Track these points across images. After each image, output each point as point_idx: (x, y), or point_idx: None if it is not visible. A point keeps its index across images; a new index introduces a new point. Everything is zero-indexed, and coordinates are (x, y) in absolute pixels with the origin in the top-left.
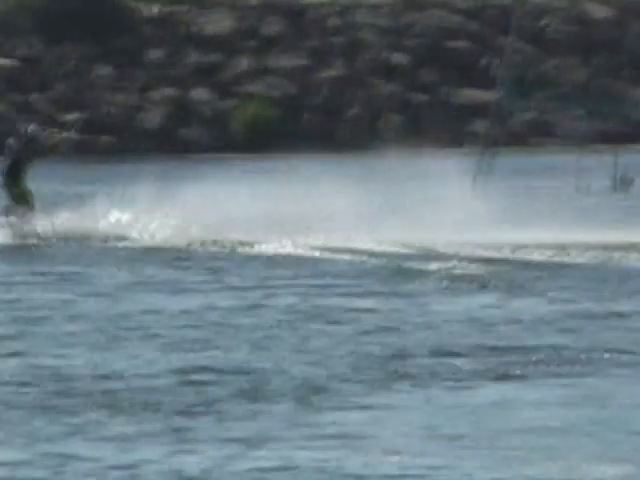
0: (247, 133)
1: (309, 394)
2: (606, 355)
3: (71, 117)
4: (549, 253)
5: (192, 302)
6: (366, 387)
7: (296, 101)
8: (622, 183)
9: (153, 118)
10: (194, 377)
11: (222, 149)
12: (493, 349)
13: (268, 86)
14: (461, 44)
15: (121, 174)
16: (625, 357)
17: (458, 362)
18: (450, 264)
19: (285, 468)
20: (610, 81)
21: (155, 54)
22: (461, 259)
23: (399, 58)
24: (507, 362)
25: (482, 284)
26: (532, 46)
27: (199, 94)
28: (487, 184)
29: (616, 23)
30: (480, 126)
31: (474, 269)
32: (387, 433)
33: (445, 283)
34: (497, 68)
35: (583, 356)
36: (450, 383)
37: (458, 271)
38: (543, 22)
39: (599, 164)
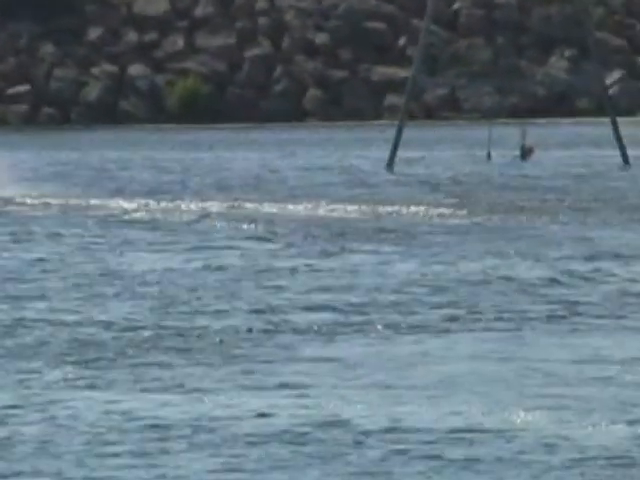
0: (180, 106)
1: (261, 348)
2: (515, 314)
3: (20, 89)
4: (449, 212)
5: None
6: (305, 340)
7: (225, 77)
8: (526, 153)
9: (94, 92)
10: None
11: (157, 120)
12: (420, 304)
13: (199, 63)
14: (378, 25)
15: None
16: (532, 314)
17: (392, 317)
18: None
19: (230, 416)
20: (516, 60)
21: (96, 33)
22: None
23: (321, 38)
24: (430, 318)
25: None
26: (444, 28)
27: (136, 70)
28: (404, 154)
29: (519, 7)
30: (396, 100)
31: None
32: (328, 382)
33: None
34: (412, 48)
35: (492, 314)
36: (387, 334)
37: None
38: (455, 6)
39: (506, 136)
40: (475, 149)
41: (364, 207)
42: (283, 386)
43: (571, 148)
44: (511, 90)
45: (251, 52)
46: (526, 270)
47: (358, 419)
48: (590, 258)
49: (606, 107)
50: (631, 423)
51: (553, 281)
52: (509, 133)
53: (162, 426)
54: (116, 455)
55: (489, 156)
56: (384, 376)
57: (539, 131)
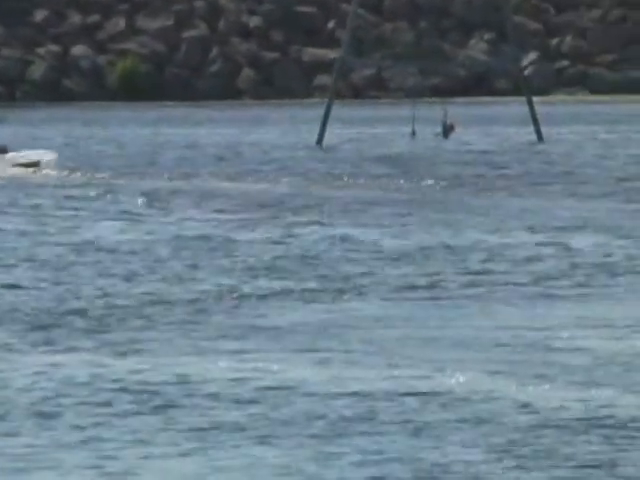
0: (120, 85)
1: (203, 313)
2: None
3: None
4: (378, 185)
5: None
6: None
7: (163, 57)
8: (447, 130)
9: (39, 71)
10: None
11: (99, 98)
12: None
13: (139, 44)
14: (309, 9)
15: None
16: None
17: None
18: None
19: (181, 380)
20: (438, 42)
21: (42, 14)
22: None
23: (254, 21)
24: (373, 285)
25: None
26: (371, 12)
27: (80, 50)
28: (332, 131)
29: None
30: (325, 80)
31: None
32: (272, 347)
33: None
34: (340, 31)
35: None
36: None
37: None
38: None
39: (429, 114)
40: (400, 126)
41: (295, 181)
42: (236, 352)
43: (490, 126)
44: (433, 71)
45: (188, 34)
46: (459, 239)
47: (312, 384)
48: (500, 229)
49: (522, 87)
50: (574, 386)
51: (478, 250)
52: (432, 111)
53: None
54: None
55: (413, 133)
56: (326, 341)
57: (460, 110)
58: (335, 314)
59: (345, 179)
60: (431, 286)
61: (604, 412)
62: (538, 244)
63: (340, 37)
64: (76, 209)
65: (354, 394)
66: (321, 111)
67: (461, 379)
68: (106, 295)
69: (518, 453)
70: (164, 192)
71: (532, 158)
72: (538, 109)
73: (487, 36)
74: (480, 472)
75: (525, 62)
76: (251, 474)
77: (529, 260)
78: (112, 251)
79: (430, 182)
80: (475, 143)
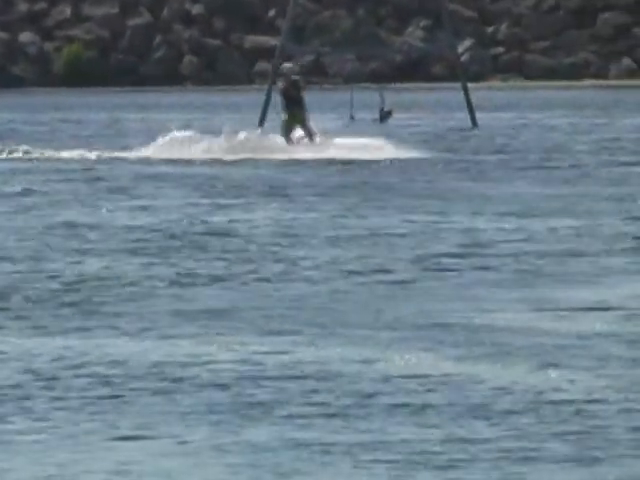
0: (66, 71)
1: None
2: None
3: None
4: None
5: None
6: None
7: (108, 44)
8: (384, 116)
9: None
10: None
11: (45, 84)
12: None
13: (85, 31)
14: None
15: None
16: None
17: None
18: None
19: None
20: (375, 29)
21: None
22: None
23: (197, 8)
24: (316, 267)
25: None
26: (310, 0)
27: (27, 37)
28: (273, 116)
29: None
30: (266, 67)
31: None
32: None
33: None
34: (281, 19)
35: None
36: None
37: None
38: None
39: (367, 99)
40: (339, 112)
41: (238, 163)
42: (192, 336)
43: (426, 111)
44: (371, 57)
45: (133, 21)
46: (400, 223)
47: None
48: (442, 212)
49: (458, 73)
50: (550, 367)
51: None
52: (369, 97)
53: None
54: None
55: (352, 118)
56: (271, 324)
57: (397, 95)
58: (278, 296)
59: (287, 160)
60: (374, 269)
61: (547, 391)
62: (482, 228)
63: (280, 25)
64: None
65: (290, 375)
66: (262, 97)
67: (404, 360)
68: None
69: (459, 434)
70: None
71: (467, 143)
72: (473, 95)
73: (423, 23)
74: (416, 450)
75: (461, 49)
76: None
77: (473, 244)
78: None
79: (368, 166)
80: (411, 128)
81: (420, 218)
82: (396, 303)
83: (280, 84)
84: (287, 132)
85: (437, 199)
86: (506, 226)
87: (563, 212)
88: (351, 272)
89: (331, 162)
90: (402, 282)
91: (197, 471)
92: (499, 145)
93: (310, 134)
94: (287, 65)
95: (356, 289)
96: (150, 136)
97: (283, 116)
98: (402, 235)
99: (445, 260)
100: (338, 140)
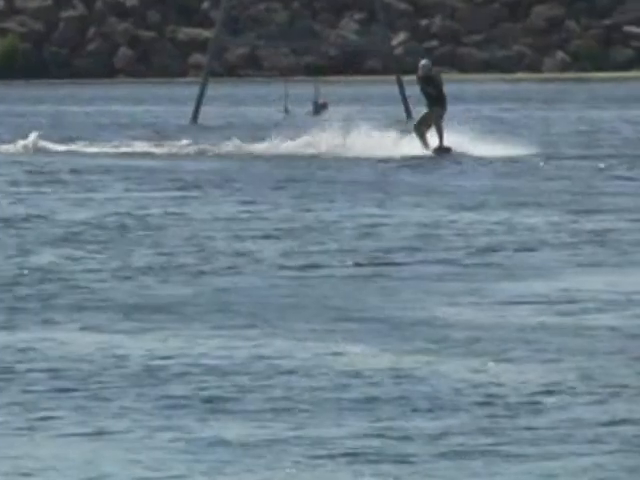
0: (2, 63)
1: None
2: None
3: None
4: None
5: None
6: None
7: (42, 36)
8: (318, 108)
9: None
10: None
11: None
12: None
13: (19, 23)
14: None
15: None
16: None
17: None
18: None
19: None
20: (310, 22)
21: None
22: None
23: (131, 1)
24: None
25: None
26: None
27: None
28: (208, 109)
29: None
30: (200, 59)
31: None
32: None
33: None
34: (215, 11)
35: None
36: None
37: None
38: None
39: (302, 92)
40: (273, 104)
41: (169, 156)
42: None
43: (360, 104)
44: (306, 50)
45: (66, 13)
46: (336, 215)
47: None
48: (380, 205)
49: (392, 66)
50: (494, 360)
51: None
52: (304, 90)
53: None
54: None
55: (286, 111)
56: (213, 317)
57: (332, 88)
58: (224, 290)
59: (217, 155)
60: (320, 263)
61: (488, 384)
62: (429, 222)
63: (215, 17)
64: None
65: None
66: (196, 90)
67: (348, 353)
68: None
69: (402, 426)
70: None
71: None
72: (408, 88)
73: (358, 16)
74: (356, 447)
75: (395, 42)
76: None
77: (414, 237)
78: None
79: (307, 157)
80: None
81: (367, 211)
82: (343, 297)
83: (417, 80)
84: (421, 130)
85: (383, 192)
86: (452, 219)
87: (508, 205)
88: (296, 266)
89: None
90: (349, 276)
91: (148, 464)
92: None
93: (441, 140)
94: (423, 62)
95: (302, 283)
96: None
97: (423, 112)
98: (347, 228)
99: (392, 254)
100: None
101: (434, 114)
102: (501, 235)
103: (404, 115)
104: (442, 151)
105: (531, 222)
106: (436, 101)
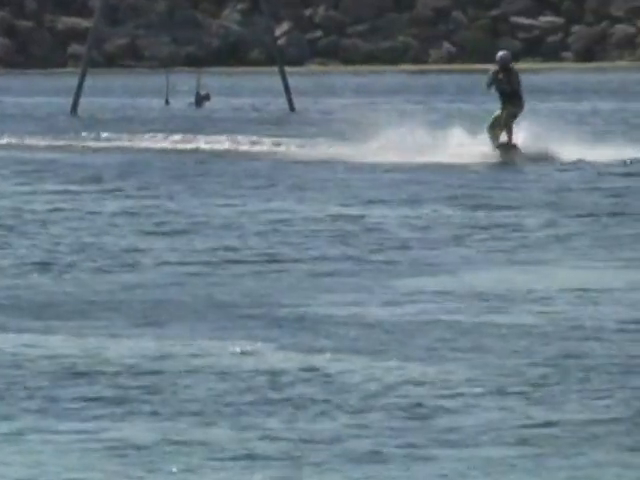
0: None
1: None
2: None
3: None
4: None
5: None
6: None
7: None
8: (200, 100)
9: None
10: None
11: None
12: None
13: None
14: None
15: None
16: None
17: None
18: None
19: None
20: (191, 12)
21: None
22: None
23: None
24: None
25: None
26: None
27: None
28: (87, 99)
29: None
30: (79, 49)
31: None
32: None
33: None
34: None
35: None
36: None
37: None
38: None
39: (183, 83)
40: (154, 95)
41: (55, 149)
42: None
43: (243, 96)
44: (187, 40)
45: None
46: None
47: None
48: (271, 200)
49: (275, 57)
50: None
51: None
52: (186, 81)
53: None
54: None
55: (167, 102)
56: (95, 314)
57: (214, 79)
58: (106, 287)
59: (99, 147)
60: (212, 260)
61: (392, 383)
62: (320, 217)
63: (94, 6)
64: None
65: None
66: (75, 80)
67: (247, 351)
68: None
69: (302, 427)
70: None
71: (285, 127)
72: (291, 79)
73: (240, 6)
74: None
75: (278, 32)
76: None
77: (312, 232)
78: None
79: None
80: (228, 112)
81: (266, 206)
82: (242, 294)
83: (492, 74)
84: (493, 131)
85: (265, 186)
86: (339, 213)
87: (402, 201)
88: (184, 262)
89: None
90: (249, 273)
91: (69, 465)
92: (317, 130)
93: (510, 137)
94: (502, 53)
95: (201, 280)
96: None
97: (496, 112)
98: (247, 223)
99: (293, 250)
100: None
101: (506, 113)
102: (404, 231)
103: (287, 106)
104: (508, 147)
105: (433, 217)
106: (509, 99)
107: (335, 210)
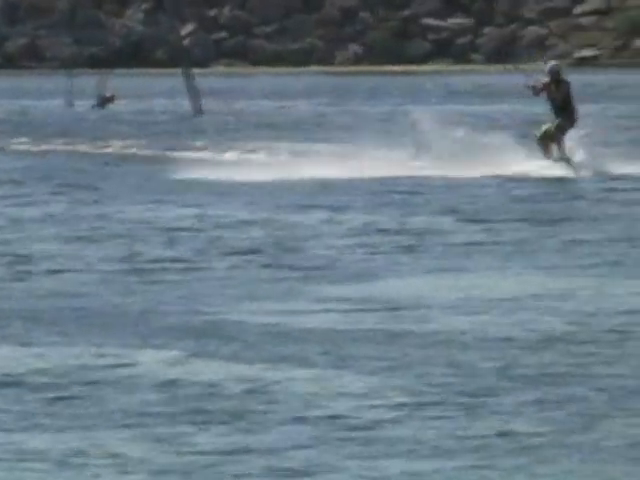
0: None
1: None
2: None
3: None
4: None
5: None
6: None
7: None
8: (104, 101)
9: None
10: None
11: None
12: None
13: None
14: None
15: None
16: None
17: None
18: None
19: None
20: (95, 11)
21: None
22: None
23: None
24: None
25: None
26: None
27: None
28: None
29: None
30: None
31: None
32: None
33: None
34: None
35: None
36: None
37: None
38: None
39: (86, 85)
40: (57, 97)
41: None
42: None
43: (147, 97)
44: (90, 41)
45: None
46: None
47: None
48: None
49: (180, 58)
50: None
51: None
52: (89, 82)
53: None
54: None
55: (70, 104)
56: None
57: (118, 80)
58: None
59: (13, 152)
60: (120, 268)
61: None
62: (228, 222)
63: None
64: None
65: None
66: None
67: (158, 361)
68: None
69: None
70: None
71: (189, 129)
72: (197, 81)
73: (144, 6)
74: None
75: (183, 33)
76: None
77: (219, 239)
78: None
79: (89, 151)
80: (132, 115)
81: (171, 214)
82: (146, 303)
83: (543, 85)
84: (544, 143)
85: (177, 191)
86: (250, 219)
87: (328, 208)
88: (97, 270)
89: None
90: (151, 282)
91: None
92: (223, 131)
93: (560, 148)
94: (551, 64)
95: (103, 287)
96: None
97: (547, 124)
98: (151, 230)
99: (202, 257)
100: None
101: (555, 126)
102: (314, 237)
103: (192, 109)
104: (566, 160)
105: (328, 221)
106: (561, 111)
107: (254, 216)
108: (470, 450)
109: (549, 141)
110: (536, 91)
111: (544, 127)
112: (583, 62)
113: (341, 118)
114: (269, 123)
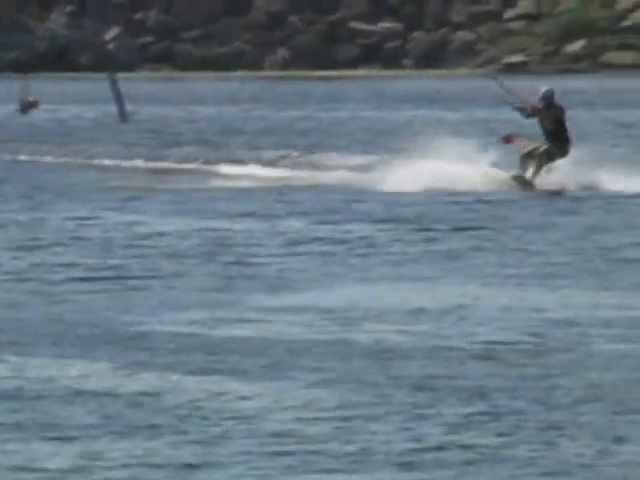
0: None
1: None
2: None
3: None
4: None
5: None
6: None
7: None
8: (26, 107)
9: None
10: None
11: None
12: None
13: None
14: None
15: None
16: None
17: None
18: None
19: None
20: (17, 15)
21: None
22: None
23: None
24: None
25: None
26: None
27: None
28: None
29: None
30: None
31: None
32: None
33: None
34: None
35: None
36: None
37: None
38: None
39: (8, 89)
40: None
41: None
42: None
43: (71, 103)
44: (12, 44)
45: None
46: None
47: None
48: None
49: (105, 63)
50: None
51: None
52: (11, 87)
53: None
54: None
55: None
56: None
57: (41, 85)
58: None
59: None
60: (52, 279)
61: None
62: (163, 230)
63: None
64: None
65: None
66: None
67: (80, 372)
68: None
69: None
70: None
71: (115, 135)
72: (122, 85)
73: (68, 9)
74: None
75: (108, 37)
76: None
77: (156, 247)
78: None
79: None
80: (56, 120)
81: (109, 220)
82: (77, 312)
83: (530, 107)
84: (525, 160)
85: (113, 199)
86: (184, 227)
87: (266, 216)
88: (26, 279)
89: None
90: (86, 292)
91: None
92: (152, 138)
93: (534, 175)
94: (545, 89)
95: (31, 297)
96: None
97: (537, 144)
98: (84, 239)
99: (136, 265)
100: None
101: (544, 150)
102: (249, 245)
103: (118, 114)
104: (522, 182)
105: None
106: (554, 137)
107: (188, 223)
108: (415, 462)
109: (530, 159)
110: (526, 114)
111: (533, 145)
112: (512, 68)
113: (272, 124)
114: (197, 129)
